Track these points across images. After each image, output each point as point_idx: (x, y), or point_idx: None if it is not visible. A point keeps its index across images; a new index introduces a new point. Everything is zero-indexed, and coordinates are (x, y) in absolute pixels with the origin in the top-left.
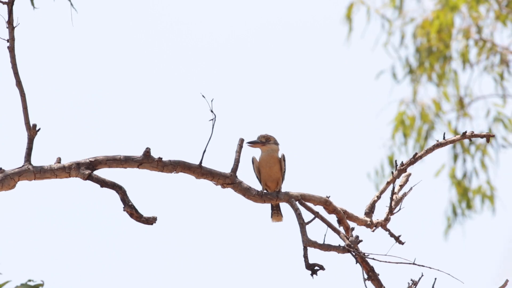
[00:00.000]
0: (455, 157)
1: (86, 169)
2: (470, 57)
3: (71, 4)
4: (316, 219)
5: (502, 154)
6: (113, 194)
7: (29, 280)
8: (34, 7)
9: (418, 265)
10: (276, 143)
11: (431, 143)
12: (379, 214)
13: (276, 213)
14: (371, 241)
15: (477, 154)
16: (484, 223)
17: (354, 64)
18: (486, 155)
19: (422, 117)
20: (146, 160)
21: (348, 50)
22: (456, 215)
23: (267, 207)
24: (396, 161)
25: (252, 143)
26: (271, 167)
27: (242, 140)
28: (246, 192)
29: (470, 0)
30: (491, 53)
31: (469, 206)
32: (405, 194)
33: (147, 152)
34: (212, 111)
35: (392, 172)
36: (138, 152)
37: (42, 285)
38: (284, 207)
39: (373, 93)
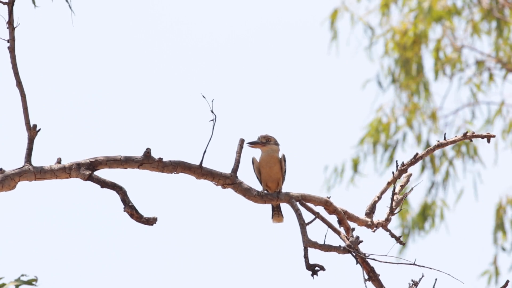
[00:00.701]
0: (422, 169)
1: (87, 170)
2: (445, 68)
3: (70, 7)
4: (317, 219)
5: (470, 167)
6: (113, 195)
7: (22, 275)
8: (35, 6)
9: (419, 265)
10: (277, 144)
11: (399, 154)
12: (380, 215)
13: (276, 213)
14: (372, 242)
15: (444, 166)
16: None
17: (346, 67)
18: (452, 167)
19: (396, 126)
20: (147, 161)
21: (338, 54)
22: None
23: (267, 207)
24: (397, 161)
25: (252, 144)
26: (272, 167)
27: (242, 141)
28: (247, 192)
29: (449, 12)
30: (466, 65)
31: (421, 226)
32: (406, 195)
33: (148, 152)
34: (212, 112)
35: (393, 173)
36: (138, 153)
37: (35, 280)
38: (285, 207)
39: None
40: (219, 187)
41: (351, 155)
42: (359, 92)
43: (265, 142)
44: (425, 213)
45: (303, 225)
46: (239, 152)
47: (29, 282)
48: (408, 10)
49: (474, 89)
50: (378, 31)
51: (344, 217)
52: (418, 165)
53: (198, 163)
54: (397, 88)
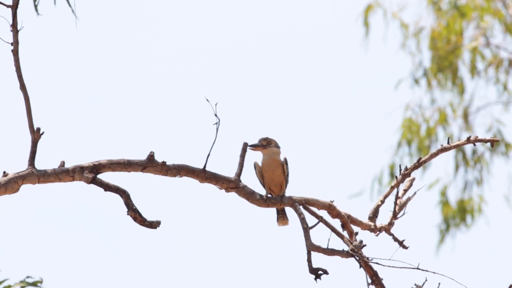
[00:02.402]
0: (456, 167)
1: (90, 173)
2: (477, 65)
3: (74, 13)
4: (320, 223)
5: (503, 166)
6: (116, 198)
7: (28, 277)
8: (38, 13)
9: (422, 269)
10: (277, 146)
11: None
12: (383, 219)
13: (281, 217)
14: (375, 246)
15: (477, 165)
16: (478, 236)
17: (358, 66)
18: (484, 167)
19: (427, 126)
20: (150, 164)
21: (358, 52)
22: (448, 231)
23: (271, 211)
24: (400, 165)
25: (253, 146)
26: (274, 170)
27: (246, 144)
28: (250, 196)
29: (479, 9)
30: (497, 61)
31: (460, 221)
32: (409, 199)
33: (151, 156)
34: (216, 115)
35: (396, 177)
36: (142, 156)
37: (40, 282)
38: (289, 210)
39: (379, 96)
40: (223, 190)
41: (387, 160)
42: (388, 89)
43: (266, 144)
44: (463, 208)
45: (306, 229)
46: (242, 156)
47: (34, 284)
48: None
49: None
50: (411, 28)
51: (347, 221)
52: (451, 163)
53: (201, 166)
54: (428, 86)
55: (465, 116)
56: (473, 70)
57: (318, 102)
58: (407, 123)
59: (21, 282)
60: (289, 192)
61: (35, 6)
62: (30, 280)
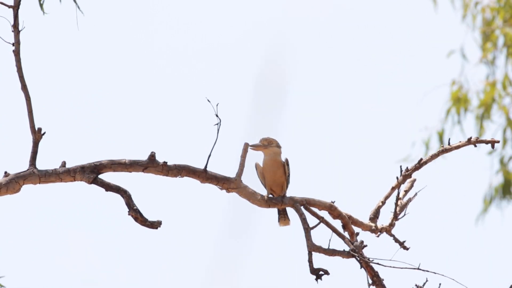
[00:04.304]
0: (504, 142)
1: (91, 173)
2: None
3: (77, 6)
4: (321, 224)
5: None
6: (117, 198)
7: None
8: (44, 13)
9: (423, 270)
10: (278, 146)
11: (487, 124)
12: (384, 220)
13: (283, 217)
14: (376, 247)
15: None
16: None
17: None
18: None
19: (478, 98)
20: (151, 164)
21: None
22: (492, 201)
23: (273, 211)
24: (401, 166)
25: (255, 146)
26: (275, 171)
27: (247, 145)
28: (251, 196)
29: None
30: None
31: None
32: (410, 200)
33: (152, 156)
34: (217, 116)
35: (397, 178)
36: (143, 156)
37: None
38: (290, 210)
39: (385, 92)
40: (224, 191)
41: (436, 127)
42: (391, 84)
43: (267, 144)
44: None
45: (307, 229)
46: (243, 156)
47: None
48: None
49: None
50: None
51: (348, 221)
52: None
53: (202, 167)
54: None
55: None
56: None
57: (320, 100)
58: (456, 94)
59: None
60: (290, 192)
61: (41, 5)
62: None
